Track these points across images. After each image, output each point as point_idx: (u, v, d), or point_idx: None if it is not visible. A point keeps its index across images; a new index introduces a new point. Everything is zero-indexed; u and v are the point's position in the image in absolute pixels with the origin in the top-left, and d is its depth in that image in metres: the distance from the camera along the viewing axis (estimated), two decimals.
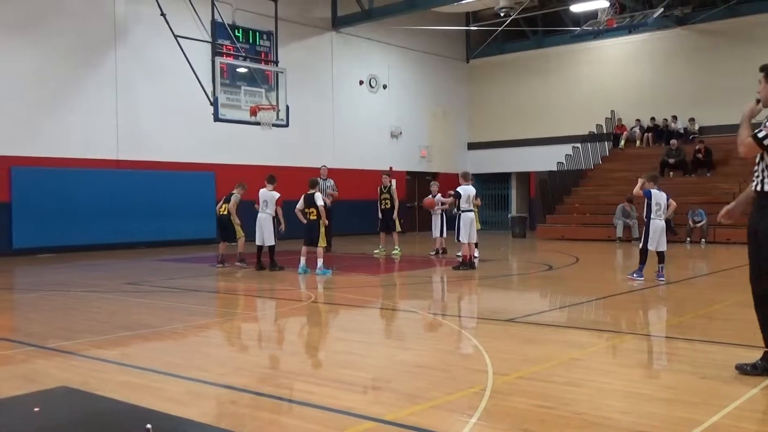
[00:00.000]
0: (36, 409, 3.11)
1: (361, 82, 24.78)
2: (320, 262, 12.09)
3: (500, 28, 25.49)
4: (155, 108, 18.94)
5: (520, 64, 27.78)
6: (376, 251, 16.16)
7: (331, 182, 18.79)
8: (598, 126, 25.82)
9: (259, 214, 12.88)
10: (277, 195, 12.91)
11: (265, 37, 20.95)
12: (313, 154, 22.41)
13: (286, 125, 17.79)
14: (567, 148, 25.60)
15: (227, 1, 19.78)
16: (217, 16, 17.85)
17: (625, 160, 24.66)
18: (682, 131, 24.02)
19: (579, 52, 26.36)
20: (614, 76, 25.82)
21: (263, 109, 16.97)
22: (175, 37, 16.62)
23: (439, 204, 15.61)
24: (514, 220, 23.91)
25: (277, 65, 18.65)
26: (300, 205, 12.33)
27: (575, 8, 22.62)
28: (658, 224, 10.99)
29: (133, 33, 18.64)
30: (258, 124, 16.99)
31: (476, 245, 14.75)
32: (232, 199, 13.33)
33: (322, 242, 12.19)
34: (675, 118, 24.25)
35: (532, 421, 4.01)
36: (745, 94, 23.97)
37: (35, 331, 7.17)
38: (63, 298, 9.77)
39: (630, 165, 24.02)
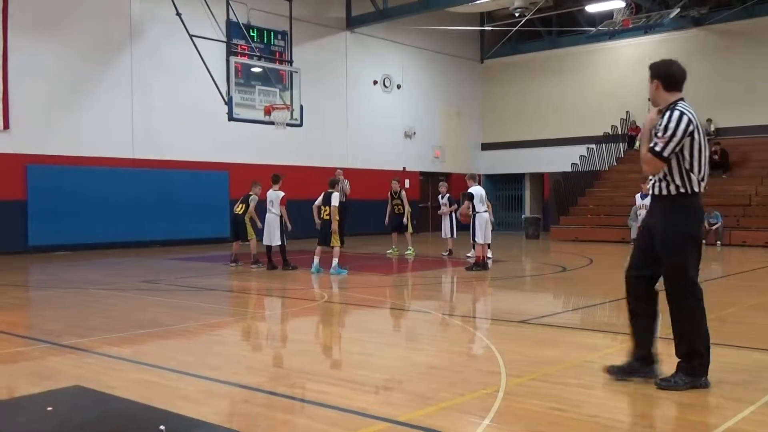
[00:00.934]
0: (49, 409, 3.13)
1: (375, 82, 24.78)
2: (335, 261, 12.10)
3: (515, 29, 25.41)
4: (170, 107, 19.03)
5: (535, 64, 27.69)
6: (389, 251, 16.17)
7: (345, 183, 18.86)
8: (613, 127, 25.69)
9: (267, 215, 12.92)
10: (281, 194, 12.86)
11: (279, 36, 21.00)
12: (326, 153, 22.46)
13: (300, 125, 17.83)
14: (581, 149, 25.48)
15: (242, 0, 19.86)
16: (232, 16, 17.93)
17: (639, 161, 24.44)
18: None
19: (594, 52, 26.24)
20: (629, 77, 25.63)
21: (277, 108, 17.01)
22: (191, 36, 16.70)
23: (447, 206, 15.65)
24: (528, 221, 23.83)
25: (291, 65, 18.70)
26: (319, 201, 12.40)
27: (590, 8, 22.51)
28: None
29: (149, 33, 18.74)
30: (272, 123, 17.03)
31: (489, 246, 14.73)
32: (251, 202, 13.33)
33: (336, 242, 12.20)
34: None
35: (545, 424, 3.99)
36: (763, 95, 23.85)
37: (50, 328, 7.22)
38: (78, 295, 9.83)
39: None
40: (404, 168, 25.51)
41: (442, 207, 15.95)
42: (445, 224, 16.09)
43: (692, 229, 4.77)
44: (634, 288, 5.00)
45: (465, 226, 13.37)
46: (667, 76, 4.93)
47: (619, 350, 6.27)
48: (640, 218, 11.33)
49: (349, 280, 11.52)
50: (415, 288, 11.32)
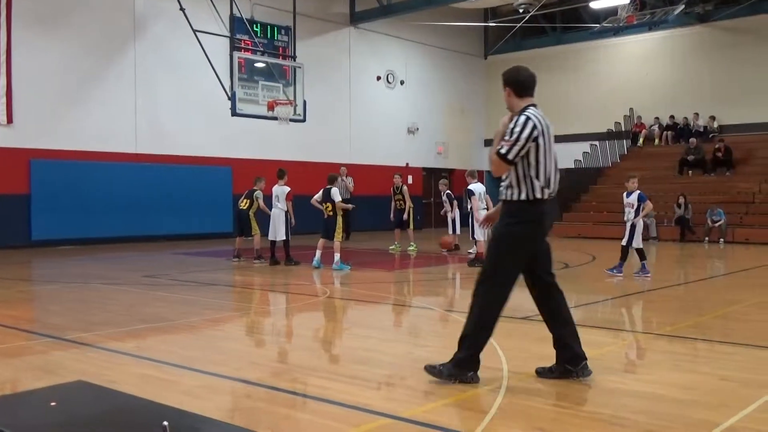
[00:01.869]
0: (53, 404, 3.13)
1: (378, 78, 24.76)
2: (337, 256, 12.10)
3: (519, 25, 25.36)
4: (173, 102, 19.03)
5: (539, 60, 27.54)
6: (391, 247, 16.16)
7: (349, 179, 18.89)
8: (617, 124, 25.65)
9: (273, 209, 12.92)
10: (287, 189, 12.84)
11: (283, 32, 20.97)
12: (330, 149, 22.45)
13: (304, 120, 17.83)
14: (585, 146, 25.45)
15: None
16: (235, 11, 17.94)
17: (643, 158, 24.47)
18: (702, 130, 23.80)
19: (598, 48, 26.18)
20: (634, 74, 25.61)
21: (281, 104, 17.01)
22: (194, 31, 16.71)
23: (448, 204, 15.64)
24: None
25: (294, 60, 18.69)
26: (318, 196, 12.37)
27: (595, 5, 22.46)
28: (641, 223, 11.39)
29: (153, 27, 18.73)
30: (275, 119, 17.03)
31: None
32: (257, 199, 13.29)
33: (339, 237, 12.19)
34: (697, 115, 24.01)
35: (547, 421, 3.99)
36: (767, 92, 23.68)
37: (54, 322, 7.24)
38: (81, 290, 9.85)
39: (649, 163, 23.85)
40: (407, 164, 25.48)
41: (445, 206, 15.91)
42: (448, 221, 16.08)
43: (526, 232, 4.77)
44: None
45: (467, 222, 13.38)
46: (517, 83, 4.93)
47: (621, 347, 6.28)
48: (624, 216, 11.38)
49: (352, 276, 11.52)
50: (417, 284, 11.32)
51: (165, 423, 2.63)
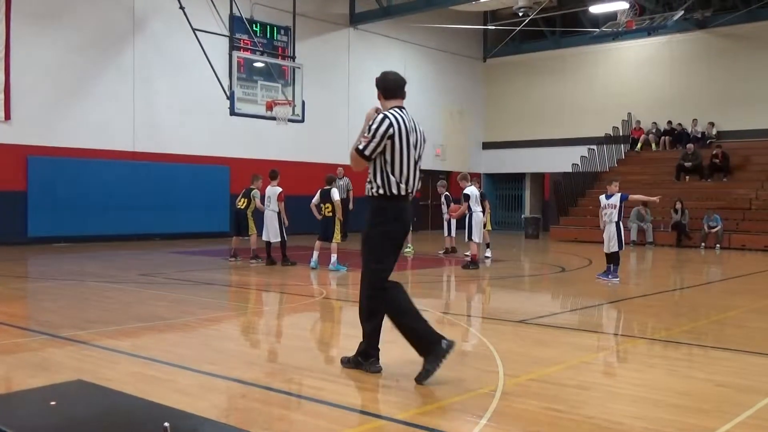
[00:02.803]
0: (52, 403, 3.12)
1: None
2: (334, 257, 12.09)
3: (518, 28, 25.37)
4: (172, 101, 19.02)
5: (538, 64, 27.67)
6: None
7: (346, 180, 18.86)
8: (615, 128, 25.68)
9: (266, 211, 12.91)
10: (278, 190, 12.84)
11: (282, 32, 20.97)
12: (328, 149, 22.43)
13: (302, 121, 17.83)
14: (582, 150, 25.47)
15: None
16: (235, 11, 17.94)
17: (641, 163, 24.51)
18: (699, 135, 23.84)
19: (597, 53, 26.22)
20: (632, 79, 25.66)
21: (279, 104, 17.01)
22: (194, 30, 16.71)
23: (444, 206, 15.69)
24: (528, 221, 23.83)
25: (294, 60, 18.70)
26: (315, 200, 12.37)
27: (594, 9, 22.48)
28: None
29: (152, 26, 18.72)
30: (274, 119, 17.03)
31: (488, 245, 14.75)
32: (254, 197, 13.26)
33: (337, 237, 12.19)
34: (695, 121, 24.05)
35: (542, 424, 3.99)
36: (765, 99, 23.79)
37: (49, 319, 7.23)
38: (77, 287, 9.83)
39: (646, 168, 23.89)
40: None
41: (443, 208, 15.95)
42: (444, 223, 16.10)
43: (387, 227, 5.00)
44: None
45: (462, 225, 13.43)
46: (384, 88, 5.24)
47: (616, 351, 6.28)
48: (603, 219, 11.32)
49: (348, 277, 11.52)
50: (413, 286, 11.31)
51: (166, 424, 2.63)
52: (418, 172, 5.07)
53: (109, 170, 17.75)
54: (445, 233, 16.00)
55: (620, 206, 11.16)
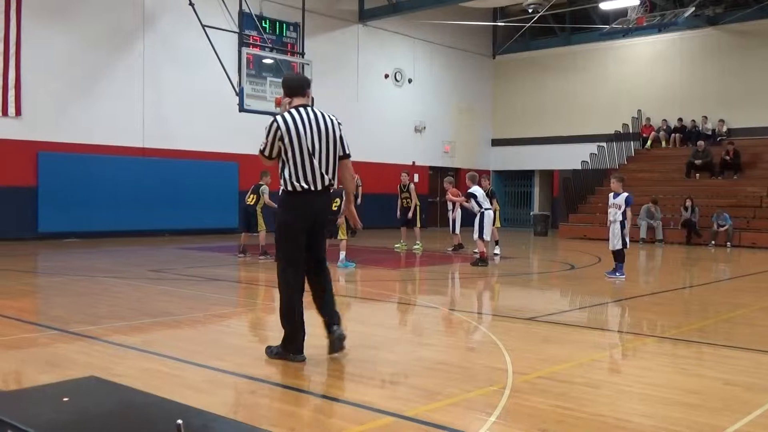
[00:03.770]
0: (65, 399, 3.14)
1: (386, 76, 24.74)
2: (342, 254, 12.11)
3: (528, 25, 25.31)
4: (181, 97, 19.06)
5: (547, 61, 27.58)
6: (397, 246, 16.16)
7: (355, 177, 18.77)
8: (624, 125, 25.58)
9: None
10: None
11: (291, 28, 20.97)
12: None
13: None
14: (592, 147, 25.39)
15: None
16: (244, 7, 17.94)
17: (651, 160, 24.41)
18: (710, 133, 23.72)
19: (607, 50, 26.11)
20: (642, 76, 25.54)
21: None
22: (203, 26, 16.73)
23: (450, 203, 15.68)
24: (537, 218, 23.78)
25: (303, 57, 18.71)
26: None
27: (604, 6, 22.39)
28: (628, 225, 11.34)
29: (162, 22, 18.76)
30: None
31: (497, 243, 14.73)
32: (263, 193, 13.30)
33: (342, 234, 12.22)
34: (705, 118, 23.93)
35: (551, 422, 3.98)
36: None
37: (59, 315, 7.26)
38: (86, 283, 9.87)
39: (656, 166, 23.80)
40: (414, 162, 25.48)
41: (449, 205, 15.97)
42: (449, 220, 16.12)
43: (287, 220, 5.32)
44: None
45: (469, 222, 13.46)
46: (287, 87, 5.55)
47: (626, 349, 6.26)
48: (609, 218, 11.44)
49: (357, 274, 11.53)
50: (422, 283, 11.32)
51: (179, 421, 2.63)
52: (322, 167, 5.26)
53: (118, 166, 17.82)
54: (451, 231, 16.00)
55: (625, 209, 11.13)
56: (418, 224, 16.28)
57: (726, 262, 15.58)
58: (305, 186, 5.20)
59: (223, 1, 17.71)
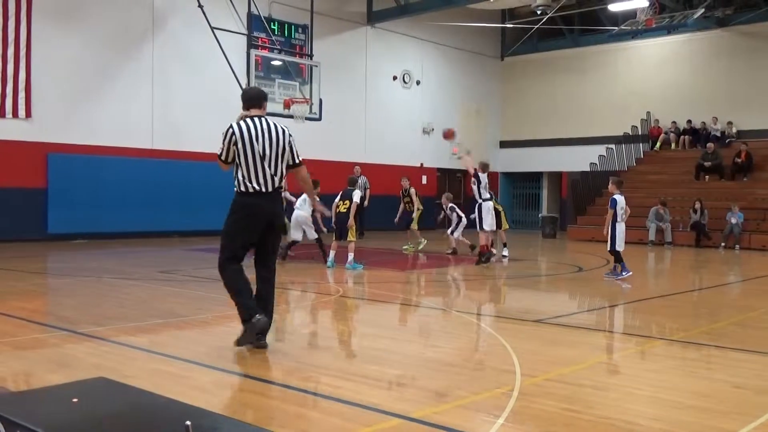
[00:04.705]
0: (74, 400, 3.15)
1: (394, 78, 24.74)
2: (351, 256, 12.12)
3: (536, 26, 25.27)
4: (190, 98, 19.10)
5: (556, 62, 27.52)
6: (404, 247, 16.15)
7: (364, 179, 18.90)
8: (633, 127, 25.50)
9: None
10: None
11: (300, 30, 21.01)
12: (345, 148, 22.46)
13: (319, 119, 17.87)
14: (601, 149, 25.32)
15: None
16: (253, 9, 18.00)
17: (660, 162, 24.32)
18: (719, 134, 23.61)
19: (616, 51, 26.03)
20: (651, 77, 25.44)
21: (297, 102, 17.06)
22: (212, 28, 16.78)
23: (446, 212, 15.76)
24: (545, 220, 23.73)
25: (311, 59, 18.74)
26: (338, 199, 12.50)
27: (613, 7, 22.33)
28: (622, 227, 11.50)
29: (171, 24, 18.82)
30: (291, 117, 17.08)
31: (505, 245, 14.70)
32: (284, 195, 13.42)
33: (352, 236, 12.23)
34: (715, 120, 23.82)
35: (559, 425, 3.97)
36: None
37: (68, 315, 7.29)
38: (95, 284, 9.91)
39: (665, 168, 23.71)
40: (422, 164, 25.48)
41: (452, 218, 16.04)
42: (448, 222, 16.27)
43: (236, 219, 5.84)
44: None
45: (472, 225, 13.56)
46: (245, 99, 6.03)
47: (635, 352, 6.24)
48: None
49: (364, 276, 11.53)
50: (429, 284, 11.31)
51: (188, 423, 2.64)
52: (271, 170, 5.73)
53: (127, 168, 17.87)
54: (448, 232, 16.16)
55: (615, 210, 11.26)
56: (415, 225, 16.20)
57: (736, 265, 15.50)
58: (257, 187, 5.70)
59: (232, 3, 17.76)
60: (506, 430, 3.88)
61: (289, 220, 13.08)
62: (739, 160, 21.79)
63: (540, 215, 25.75)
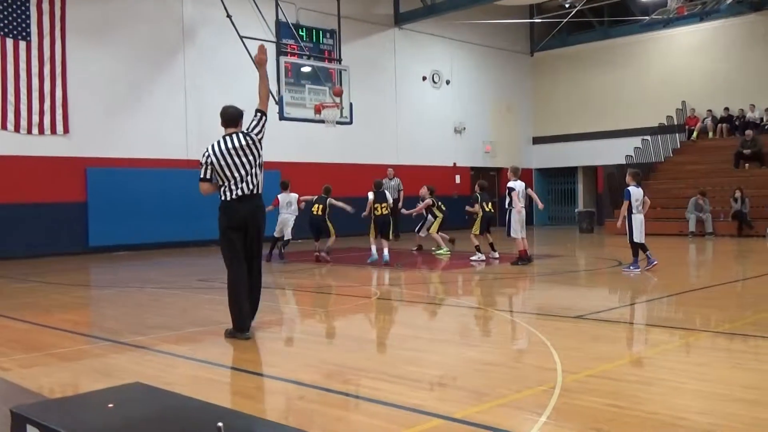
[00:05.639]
0: (110, 406, 3.20)
1: (424, 78, 24.70)
2: (386, 251, 12.92)
3: (565, 20, 25.02)
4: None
5: (586, 55, 27.21)
6: (438, 251, 16.04)
7: (397, 181, 18.87)
8: (669, 117, 25.08)
9: (283, 214, 14.25)
10: (295, 195, 14.47)
11: (328, 35, 21.10)
12: (376, 150, 22.48)
13: (350, 123, 17.90)
14: (636, 141, 24.96)
15: (291, 0, 20.02)
16: (281, 16, 18.13)
17: (697, 152, 23.88)
18: (758, 121, 23.11)
19: (647, 41, 25.63)
20: (685, 66, 25.00)
21: (327, 107, 17.12)
22: (241, 38, 16.93)
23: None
24: (581, 215, 23.46)
25: (340, 63, 18.79)
26: (370, 202, 13.36)
27: None
28: (639, 218, 11.63)
29: (201, 35, 19.04)
30: (322, 122, 17.14)
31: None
32: (330, 204, 14.02)
33: (389, 235, 13.22)
34: (753, 107, 23.32)
35: (604, 421, 3.91)
36: None
37: (110, 326, 7.41)
38: (136, 294, 10.06)
39: (703, 157, 23.28)
40: (455, 164, 25.39)
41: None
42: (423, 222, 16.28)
43: (223, 225, 6.58)
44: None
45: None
46: (222, 118, 6.84)
47: (678, 345, 6.12)
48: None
49: (400, 277, 11.52)
50: (465, 284, 11.26)
51: (220, 424, 2.66)
52: (247, 176, 6.49)
53: (164, 179, 18.11)
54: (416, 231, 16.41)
55: (629, 201, 11.52)
56: (435, 229, 15.79)
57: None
58: (235, 195, 6.47)
59: (260, 12, 17.90)
60: (549, 428, 3.83)
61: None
62: None
63: (576, 210, 25.46)
